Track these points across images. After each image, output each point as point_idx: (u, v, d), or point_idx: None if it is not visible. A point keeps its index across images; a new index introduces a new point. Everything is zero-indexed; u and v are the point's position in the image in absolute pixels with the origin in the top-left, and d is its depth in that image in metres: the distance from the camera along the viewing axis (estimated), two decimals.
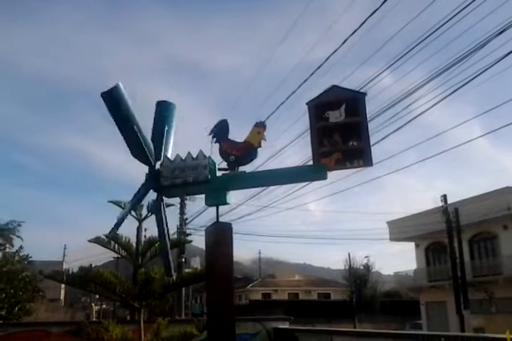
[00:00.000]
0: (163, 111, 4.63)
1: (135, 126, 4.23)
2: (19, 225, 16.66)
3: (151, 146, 4.41)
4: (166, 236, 4.47)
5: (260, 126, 4.27)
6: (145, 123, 4.51)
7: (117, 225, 4.45)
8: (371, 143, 3.87)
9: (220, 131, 4.41)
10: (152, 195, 4.63)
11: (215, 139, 4.39)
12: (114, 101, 4.14)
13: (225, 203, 4.23)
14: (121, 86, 4.17)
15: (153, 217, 4.60)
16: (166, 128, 4.57)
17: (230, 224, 4.22)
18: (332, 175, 4.09)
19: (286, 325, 9.78)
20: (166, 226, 4.50)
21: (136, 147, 4.31)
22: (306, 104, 4.00)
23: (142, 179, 4.52)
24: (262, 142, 4.23)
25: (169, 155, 4.54)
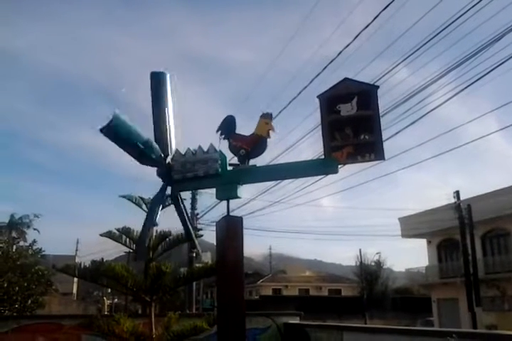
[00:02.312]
0: (158, 87, 4.58)
1: (139, 143, 4.25)
2: (37, 217, 16.85)
3: (157, 147, 4.41)
4: (189, 224, 4.76)
5: (267, 117, 4.26)
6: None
7: (143, 238, 4.64)
8: (385, 137, 3.83)
9: (227, 127, 4.42)
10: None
11: (223, 136, 4.40)
12: (114, 133, 4.17)
13: (236, 197, 4.22)
14: (118, 113, 4.15)
15: (164, 211, 4.67)
16: (166, 109, 4.56)
17: (240, 218, 4.21)
18: (344, 170, 4.07)
19: (296, 320, 9.78)
20: (187, 215, 4.68)
21: (143, 157, 4.37)
22: (318, 97, 3.97)
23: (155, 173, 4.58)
24: (271, 132, 4.22)
25: (173, 139, 4.56)
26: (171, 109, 4.57)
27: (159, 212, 4.51)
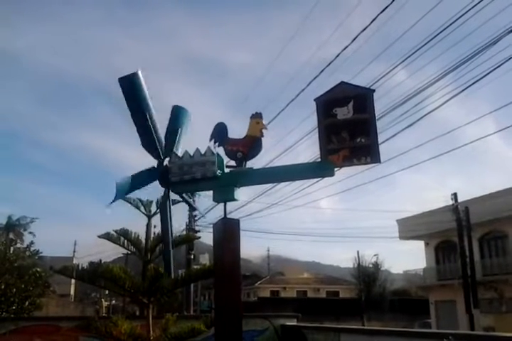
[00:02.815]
0: (179, 116, 4.72)
1: (148, 114, 4.28)
2: (32, 221, 16.88)
3: (162, 140, 4.46)
4: (170, 233, 4.53)
5: (257, 117, 4.30)
6: (159, 118, 4.59)
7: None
8: (383, 140, 3.88)
9: (220, 135, 4.46)
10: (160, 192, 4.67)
11: (217, 144, 4.43)
12: (131, 87, 4.21)
13: (233, 199, 4.25)
14: (141, 74, 4.22)
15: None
16: (180, 130, 4.63)
17: (237, 220, 4.24)
18: (342, 172, 4.10)
19: (294, 322, 9.77)
20: (170, 223, 4.55)
21: (147, 137, 4.36)
22: (314, 100, 4.01)
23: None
24: (264, 131, 4.25)
25: (179, 153, 4.57)
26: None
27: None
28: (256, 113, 4.34)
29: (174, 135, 4.59)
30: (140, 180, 4.48)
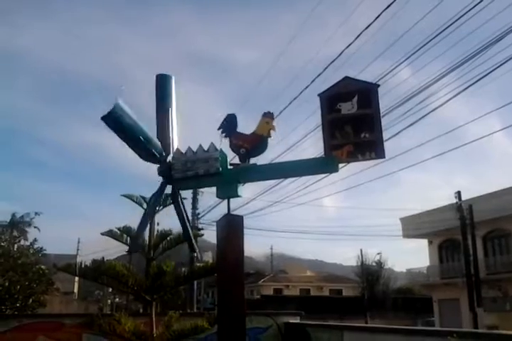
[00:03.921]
0: (163, 88, 4.63)
1: (141, 137, 4.26)
2: (38, 214, 16.88)
3: (159, 144, 4.42)
4: (188, 224, 4.67)
5: (268, 116, 4.26)
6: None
7: (141, 230, 4.63)
8: (388, 137, 3.85)
9: (229, 126, 4.42)
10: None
11: (224, 134, 4.40)
12: (115, 122, 4.15)
13: (237, 195, 4.22)
14: (121, 102, 4.12)
15: (165, 210, 4.69)
16: (170, 109, 4.59)
17: (241, 217, 4.22)
18: (346, 170, 4.07)
19: (297, 320, 9.77)
20: (186, 214, 4.64)
21: (144, 152, 4.37)
22: (318, 95, 3.98)
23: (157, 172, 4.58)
24: (272, 132, 4.22)
25: (175, 139, 4.58)
26: (174, 110, 4.61)
27: (156, 210, 4.53)
28: (268, 112, 4.30)
29: (166, 126, 4.54)
30: (156, 198, 4.62)
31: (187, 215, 4.71)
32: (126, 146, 4.38)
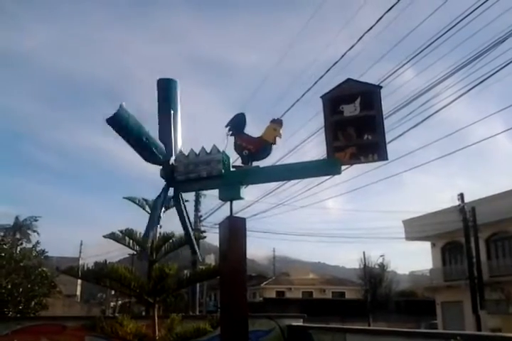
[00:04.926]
0: (166, 92, 4.64)
1: (144, 138, 4.27)
2: (36, 220, 16.93)
3: (162, 146, 4.43)
4: (189, 226, 4.68)
5: (277, 123, 4.25)
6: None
7: (146, 241, 4.67)
8: (391, 139, 3.85)
9: (237, 124, 4.41)
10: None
11: (231, 132, 4.39)
12: (120, 124, 4.18)
13: (239, 198, 4.22)
14: (124, 105, 4.16)
15: (167, 212, 4.68)
16: (172, 112, 4.59)
17: (243, 219, 4.22)
18: (349, 172, 4.06)
19: (299, 323, 9.74)
20: (187, 216, 4.64)
21: (148, 154, 4.37)
22: (321, 97, 3.98)
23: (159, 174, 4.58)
24: (277, 139, 4.21)
25: (179, 142, 4.59)
26: (178, 112, 4.61)
27: (162, 213, 4.51)
28: (277, 119, 4.30)
29: (169, 129, 4.55)
30: (159, 203, 4.57)
31: (189, 218, 4.71)
32: (130, 149, 4.40)
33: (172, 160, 4.47)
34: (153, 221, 4.51)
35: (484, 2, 8.35)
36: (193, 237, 4.79)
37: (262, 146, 4.24)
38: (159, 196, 4.55)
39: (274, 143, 4.24)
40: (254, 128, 4.42)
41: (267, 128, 4.27)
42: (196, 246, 4.95)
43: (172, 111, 4.58)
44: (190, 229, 4.70)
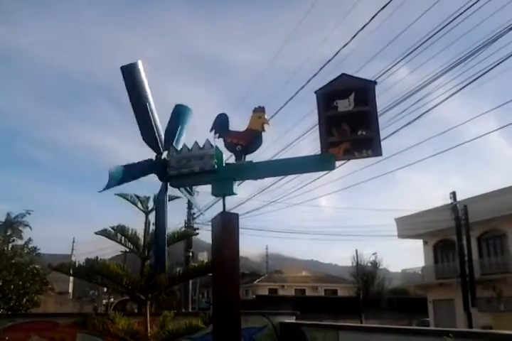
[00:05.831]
0: (180, 114, 4.69)
1: (148, 106, 4.28)
2: (29, 213, 16.85)
3: (162, 133, 4.44)
4: (165, 228, 4.44)
5: (259, 111, 4.25)
6: (161, 115, 4.57)
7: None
8: (384, 136, 3.81)
9: (221, 125, 4.41)
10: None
11: (217, 135, 4.38)
12: (132, 76, 4.27)
13: (232, 193, 4.19)
14: (141, 65, 4.30)
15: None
16: (180, 127, 4.60)
17: (236, 214, 4.19)
18: (342, 169, 4.04)
19: (292, 320, 9.75)
20: (166, 218, 4.46)
21: (147, 130, 4.33)
22: (315, 92, 3.95)
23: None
24: (265, 126, 4.21)
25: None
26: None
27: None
28: (259, 107, 4.30)
29: (174, 131, 4.55)
30: (135, 171, 4.42)
31: (166, 223, 4.49)
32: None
33: (165, 155, 4.43)
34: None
35: (478, 0, 8.37)
36: (165, 243, 4.52)
37: (252, 137, 4.22)
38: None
39: (264, 131, 4.22)
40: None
41: (251, 118, 4.27)
42: (165, 255, 4.58)
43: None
44: (165, 230, 4.47)
